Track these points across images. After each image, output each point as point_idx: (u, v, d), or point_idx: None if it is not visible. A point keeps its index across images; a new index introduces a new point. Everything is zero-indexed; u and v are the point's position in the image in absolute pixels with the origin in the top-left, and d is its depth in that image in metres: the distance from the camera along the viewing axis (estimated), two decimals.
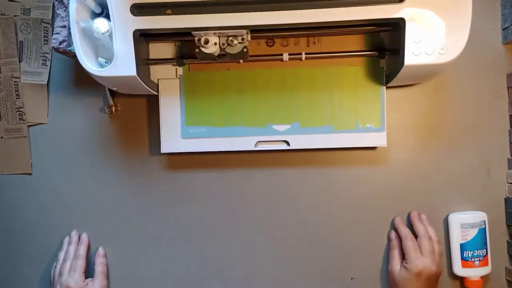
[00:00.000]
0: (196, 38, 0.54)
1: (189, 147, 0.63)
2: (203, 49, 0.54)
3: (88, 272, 0.65)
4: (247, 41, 0.55)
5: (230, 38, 0.54)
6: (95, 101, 0.68)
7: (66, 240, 0.67)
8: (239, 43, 0.54)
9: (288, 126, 0.62)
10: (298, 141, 0.62)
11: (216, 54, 0.56)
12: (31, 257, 0.68)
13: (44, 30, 0.67)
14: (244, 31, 0.53)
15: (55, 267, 0.65)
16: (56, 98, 0.68)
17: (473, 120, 0.65)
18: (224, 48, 0.55)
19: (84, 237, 0.67)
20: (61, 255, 0.66)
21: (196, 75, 0.62)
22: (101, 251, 0.66)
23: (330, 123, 0.61)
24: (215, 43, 0.54)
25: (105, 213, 0.68)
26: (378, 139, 0.61)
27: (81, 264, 0.63)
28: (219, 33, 0.53)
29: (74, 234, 0.67)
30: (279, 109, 0.62)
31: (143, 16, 0.52)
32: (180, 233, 0.67)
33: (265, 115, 0.62)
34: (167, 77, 0.62)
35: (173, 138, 0.63)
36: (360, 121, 0.61)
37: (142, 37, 0.55)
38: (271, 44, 0.61)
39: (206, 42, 0.53)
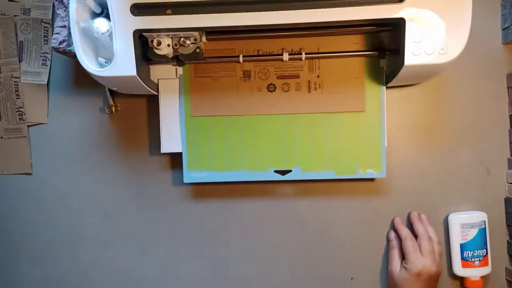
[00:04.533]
0: (149, 40, 0.54)
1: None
2: (156, 51, 0.54)
3: None
4: (201, 41, 0.56)
5: (182, 39, 0.54)
6: (95, 101, 0.68)
7: None
8: (192, 43, 0.55)
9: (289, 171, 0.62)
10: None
11: (170, 56, 0.56)
12: (31, 257, 0.68)
13: (44, 30, 0.67)
14: (196, 33, 0.54)
15: None
16: (56, 98, 0.68)
17: (473, 120, 0.65)
18: (177, 49, 0.55)
19: None
20: None
21: (198, 120, 0.62)
22: None
23: (331, 168, 0.62)
24: (168, 45, 0.54)
25: (105, 213, 0.68)
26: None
27: None
28: (172, 34, 0.53)
29: None
30: (280, 154, 0.62)
31: (143, 16, 0.52)
32: (180, 233, 0.67)
33: (266, 159, 0.62)
34: (167, 77, 0.62)
35: (173, 138, 0.63)
36: (360, 166, 0.61)
37: (142, 37, 0.55)
38: (272, 89, 0.62)
39: (159, 43, 0.53)
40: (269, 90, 0.62)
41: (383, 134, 0.61)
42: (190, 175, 0.63)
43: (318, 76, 0.61)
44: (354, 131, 0.61)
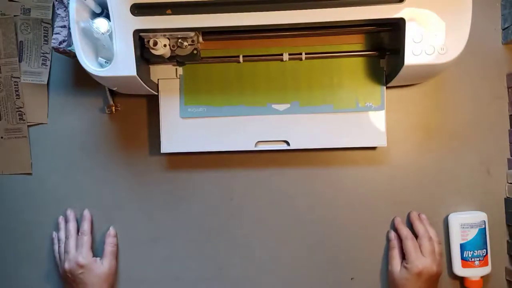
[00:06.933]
0: (145, 40, 0.54)
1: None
2: (152, 51, 0.54)
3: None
4: (198, 43, 0.55)
5: (180, 40, 0.54)
6: (95, 101, 0.68)
7: (61, 220, 0.66)
8: (189, 45, 0.55)
9: (287, 105, 0.62)
10: (298, 141, 0.62)
11: (166, 56, 0.56)
12: (31, 257, 0.68)
13: (44, 30, 0.67)
14: (193, 33, 0.53)
15: (59, 246, 0.65)
16: (56, 98, 0.68)
17: (473, 120, 0.65)
18: (175, 50, 0.55)
19: (87, 213, 0.66)
20: (62, 234, 0.65)
21: None
22: (111, 231, 0.66)
23: (330, 102, 0.61)
24: (165, 45, 0.54)
25: (105, 213, 0.68)
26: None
27: (87, 240, 0.64)
28: (169, 35, 0.53)
29: (69, 213, 0.66)
30: (278, 88, 0.62)
31: (143, 16, 0.52)
32: (180, 233, 0.67)
33: (264, 94, 0.62)
34: (167, 77, 0.62)
35: (173, 138, 0.63)
36: (359, 99, 0.61)
37: (142, 37, 0.55)
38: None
39: (155, 44, 0.53)
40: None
41: (383, 88, 0.61)
42: (187, 110, 0.62)
43: None
44: (353, 65, 0.61)
